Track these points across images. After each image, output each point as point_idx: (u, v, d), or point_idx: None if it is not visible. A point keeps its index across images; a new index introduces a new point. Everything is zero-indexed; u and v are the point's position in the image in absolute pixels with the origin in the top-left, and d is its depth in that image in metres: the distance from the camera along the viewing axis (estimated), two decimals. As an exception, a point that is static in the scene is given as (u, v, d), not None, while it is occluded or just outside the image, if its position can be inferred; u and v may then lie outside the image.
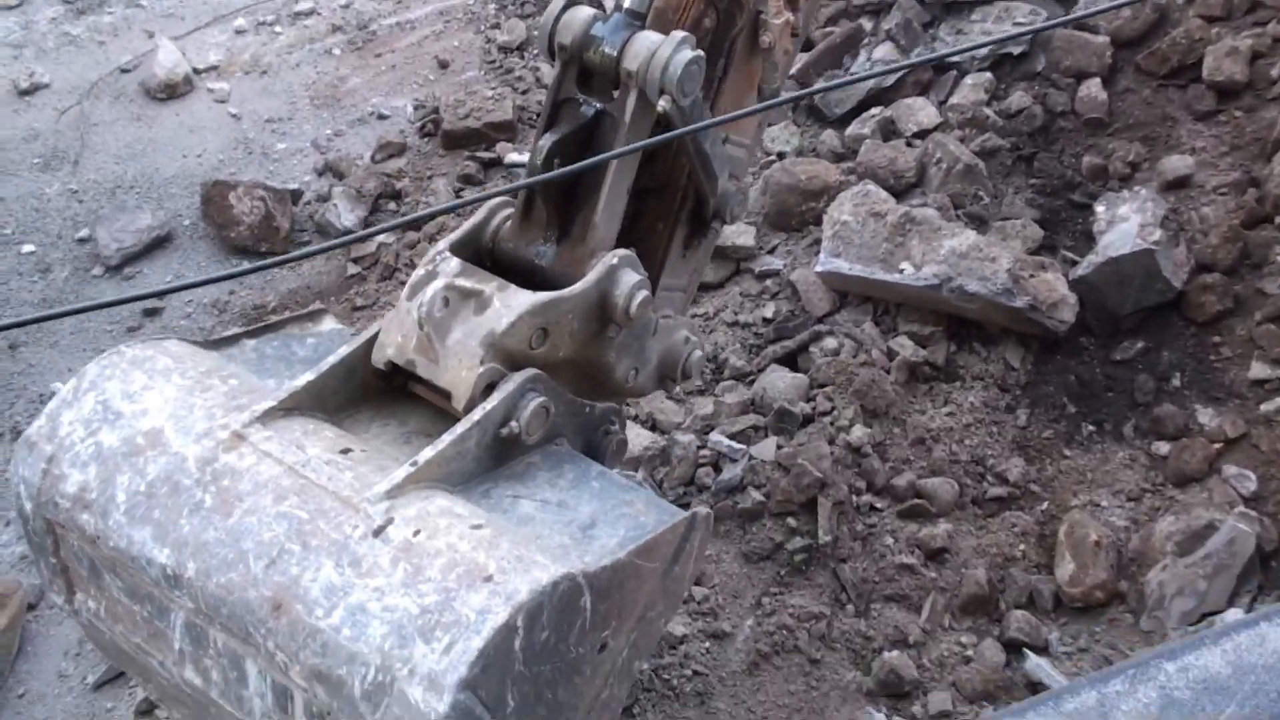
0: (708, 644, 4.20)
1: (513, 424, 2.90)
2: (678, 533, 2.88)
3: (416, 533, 2.57)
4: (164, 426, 2.81)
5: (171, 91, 6.94)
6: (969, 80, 5.91)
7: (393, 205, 6.18)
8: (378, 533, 2.57)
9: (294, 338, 3.34)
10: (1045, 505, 4.52)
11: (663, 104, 3.05)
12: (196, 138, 6.72)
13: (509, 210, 3.24)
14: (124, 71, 7.17)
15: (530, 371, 2.94)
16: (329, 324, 3.42)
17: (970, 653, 4.11)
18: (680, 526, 2.88)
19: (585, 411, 3.21)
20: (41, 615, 4.38)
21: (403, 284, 5.61)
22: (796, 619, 4.21)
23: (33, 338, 5.54)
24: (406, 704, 2.37)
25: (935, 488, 4.51)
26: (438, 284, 2.91)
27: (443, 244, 3.11)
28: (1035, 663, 4.01)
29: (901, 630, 4.18)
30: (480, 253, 3.22)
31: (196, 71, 7.12)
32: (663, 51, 3.02)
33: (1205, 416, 4.59)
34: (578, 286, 3.03)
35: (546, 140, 3.10)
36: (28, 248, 6.02)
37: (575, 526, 2.84)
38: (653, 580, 2.88)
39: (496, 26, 7.37)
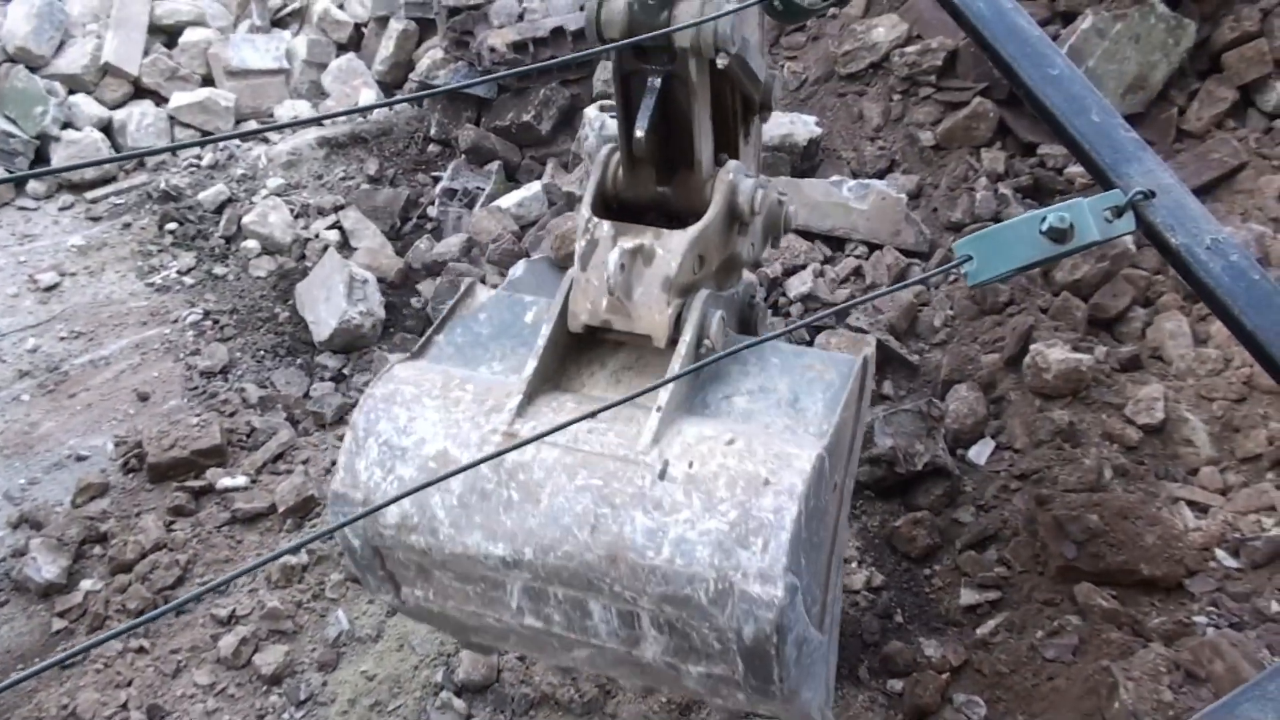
0: None
1: (706, 341, 3.48)
2: (859, 378, 3.54)
3: (690, 464, 3.19)
4: (446, 447, 3.35)
5: None
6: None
7: (98, 549, 5.86)
8: (662, 475, 3.19)
9: (468, 319, 3.90)
10: (797, 755, 4.60)
11: (721, 61, 3.40)
12: None
13: (618, 154, 3.69)
14: None
15: (703, 293, 3.51)
16: (484, 294, 4.00)
17: None
18: (859, 371, 3.53)
19: (735, 298, 3.86)
20: None
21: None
22: None
23: None
24: (750, 599, 3.01)
25: (691, 757, 4.51)
26: (614, 254, 3.41)
27: (586, 209, 3.62)
28: None
29: None
30: (607, 201, 3.72)
31: None
32: (707, 20, 3.40)
33: (930, 648, 4.85)
34: (713, 210, 3.57)
35: (641, 129, 3.47)
36: None
37: (785, 405, 3.48)
38: (851, 419, 3.60)
39: (196, 353, 7.31)
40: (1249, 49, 6.68)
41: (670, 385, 3.33)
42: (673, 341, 3.48)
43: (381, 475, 3.38)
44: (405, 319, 7.56)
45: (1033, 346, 5.97)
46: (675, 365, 3.37)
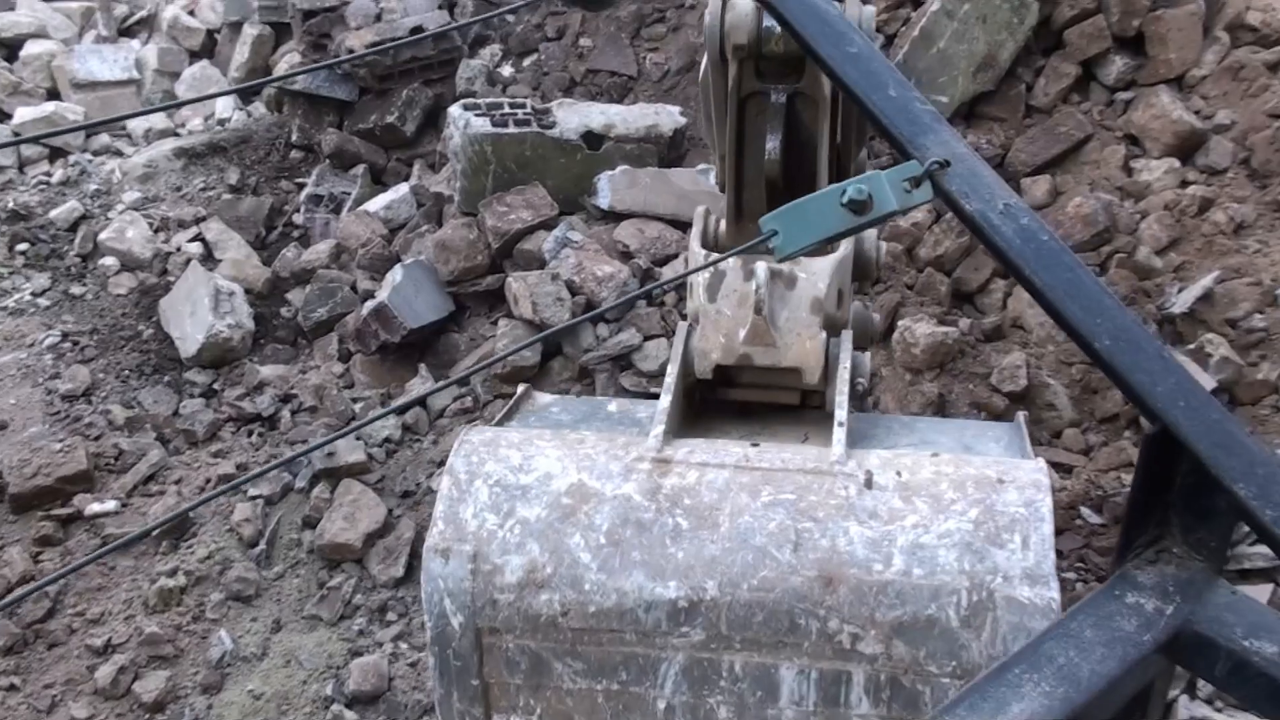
0: None
1: (860, 380, 3.04)
2: (1026, 433, 3.07)
3: (899, 474, 2.64)
4: (581, 479, 2.71)
5: None
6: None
7: (-40, 587, 5.64)
8: (868, 484, 2.63)
9: (539, 413, 3.26)
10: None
11: None
12: None
13: (715, 214, 3.26)
14: None
15: (848, 332, 3.05)
16: (543, 397, 3.42)
17: None
18: (1023, 428, 3.08)
19: None
20: None
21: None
22: None
23: None
24: (1019, 606, 2.42)
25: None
26: (760, 268, 2.91)
27: (696, 246, 3.15)
28: None
29: None
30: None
31: None
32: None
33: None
34: (844, 246, 3.07)
35: (774, 144, 3.08)
36: None
37: (960, 451, 2.89)
38: None
39: (56, 376, 7.05)
40: (1088, 25, 6.93)
41: (844, 407, 2.86)
42: (812, 393, 3.06)
43: (497, 520, 2.70)
44: (276, 329, 7.42)
45: (900, 322, 6.12)
46: (839, 399, 2.90)
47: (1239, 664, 1.48)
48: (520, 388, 3.43)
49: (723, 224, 3.31)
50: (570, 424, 3.16)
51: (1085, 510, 5.30)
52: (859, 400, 3.15)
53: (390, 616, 5.43)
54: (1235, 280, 5.95)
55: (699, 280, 3.08)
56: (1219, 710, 4.65)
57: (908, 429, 3.12)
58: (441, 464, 6.09)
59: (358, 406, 6.47)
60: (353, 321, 6.93)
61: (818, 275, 3.01)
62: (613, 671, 2.72)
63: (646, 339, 6.33)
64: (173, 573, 5.56)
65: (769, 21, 3.01)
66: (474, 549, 2.68)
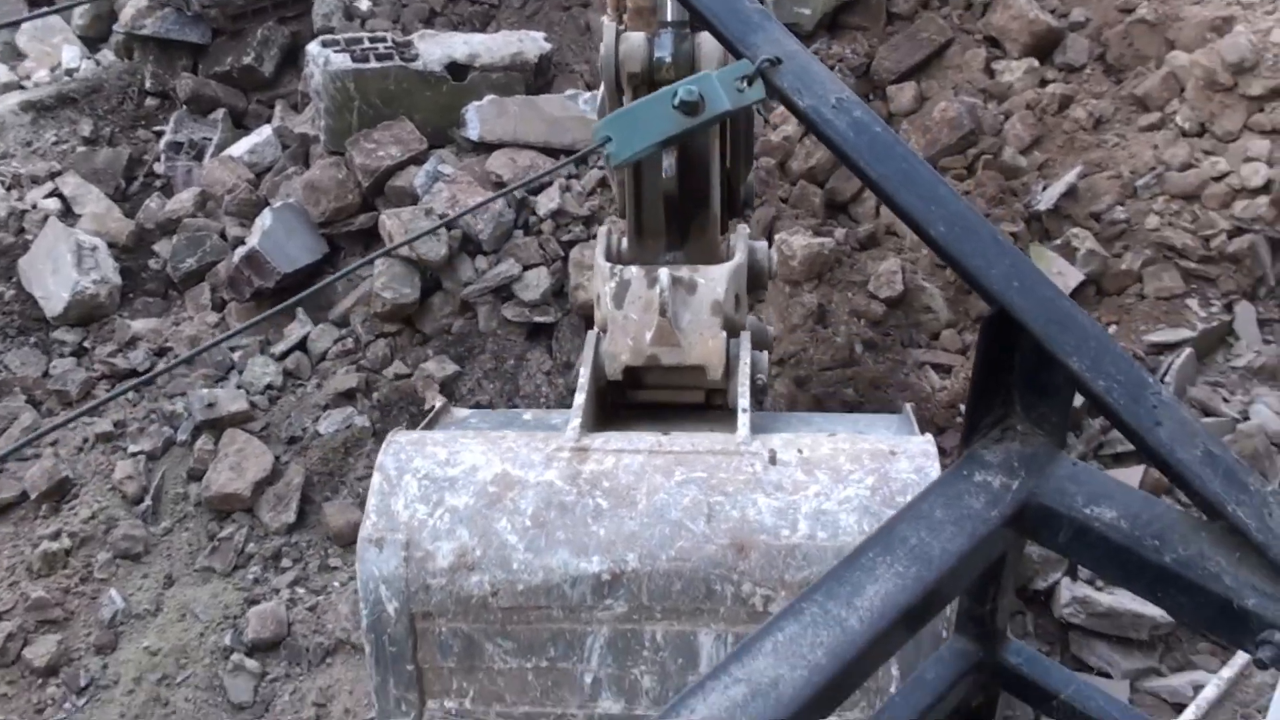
0: None
1: (760, 376, 3.31)
2: (914, 419, 3.36)
3: (800, 451, 2.89)
4: (505, 469, 2.90)
5: None
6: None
7: None
8: (773, 460, 2.86)
9: (460, 424, 3.43)
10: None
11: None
12: None
13: (618, 229, 3.50)
14: None
15: (748, 334, 3.33)
16: (461, 412, 3.59)
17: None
18: (911, 416, 3.38)
19: None
20: None
21: None
22: None
23: None
24: None
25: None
26: (663, 274, 3.19)
27: (601, 260, 3.36)
28: None
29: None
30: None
31: None
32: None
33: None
34: (739, 256, 3.37)
35: (669, 163, 3.27)
36: None
37: (857, 434, 3.08)
38: None
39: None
40: (944, -70, 7.00)
41: (746, 396, 3.13)
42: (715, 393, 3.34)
43: (427, 510, 2.87)
44: (145, 283, 7.20)
45: (777, 236, 6.17)
46: (740, 389, 3.15)
47: (1080, 530, 1.55)
48: (438, 401, 3.59)
49: (624, 240, 3.54)
50: (488, 429, 3.29)
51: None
52: (758, 395, 3.38)
53: (285, 563, 5.37)
54: (1097, 175, 6.12)
55: (605, 290, 3.33)
56: (1100, 590, 4.86)
57: (804, 421, 3.37)
58: (326, 408, 6.02)
59: (236, 355, 6.33)
60: (224, 270, 6.76)
61: (716, 280, 3.28)
62: (541, 649, 2.89)
63: (526, 269, 6.29)
64: (56, 535, 5.42)
65: (660, 52, 3.27)
66: (406, 537, 2.84)
